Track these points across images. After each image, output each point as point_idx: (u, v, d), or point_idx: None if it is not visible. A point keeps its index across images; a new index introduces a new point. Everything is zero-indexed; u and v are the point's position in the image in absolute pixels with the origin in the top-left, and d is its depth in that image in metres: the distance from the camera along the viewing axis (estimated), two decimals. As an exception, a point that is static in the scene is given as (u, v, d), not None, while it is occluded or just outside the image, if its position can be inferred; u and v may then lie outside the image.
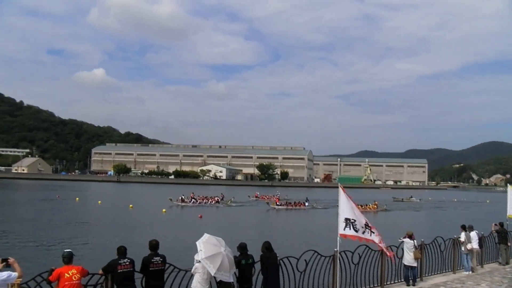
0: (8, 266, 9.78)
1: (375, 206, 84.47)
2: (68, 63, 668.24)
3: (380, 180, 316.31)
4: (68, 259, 10.41)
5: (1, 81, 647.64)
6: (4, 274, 9.52)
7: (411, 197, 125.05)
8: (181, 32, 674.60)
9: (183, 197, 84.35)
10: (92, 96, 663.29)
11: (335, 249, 14.49)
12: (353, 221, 14.33)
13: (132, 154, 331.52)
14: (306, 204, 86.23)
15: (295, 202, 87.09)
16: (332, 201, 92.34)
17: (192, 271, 11.72)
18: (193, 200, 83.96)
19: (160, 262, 11.58)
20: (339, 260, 14.60)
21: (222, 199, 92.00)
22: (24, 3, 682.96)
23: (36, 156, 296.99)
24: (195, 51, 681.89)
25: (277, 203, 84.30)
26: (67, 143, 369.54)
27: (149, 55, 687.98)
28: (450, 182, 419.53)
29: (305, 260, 13.91)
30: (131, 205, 75.33)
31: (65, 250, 10.65)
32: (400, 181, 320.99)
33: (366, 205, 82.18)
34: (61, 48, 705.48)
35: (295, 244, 34.71)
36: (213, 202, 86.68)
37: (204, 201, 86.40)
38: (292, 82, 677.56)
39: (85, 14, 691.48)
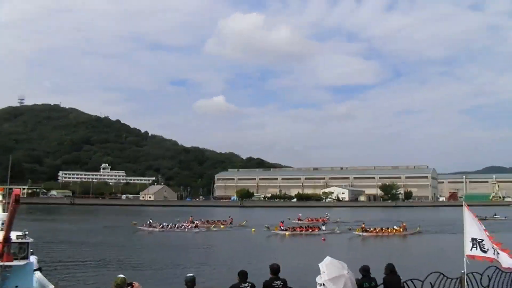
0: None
1: (401, 229, 72.59)
2: (190, 92, 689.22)
3: (510, 197, 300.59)
4: (191, 283, 10.65)
5: (128, 114, 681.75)
6: (132, 298, 9.89)
7: (495, 214, 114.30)
8: (300, 56, 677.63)
9: (150, 221, 77.55)
10: (214, 124, 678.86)
11: (462, 271, 13.86)
12: (480, 241, 13.73)
13: (254, 179, 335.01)
14: (323, 228, 75.99)
15: (307, 227, 77.64)
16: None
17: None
18: (162, 225, 76.13)
19: (280, 286, 11.63)
20: (467, 282, 13.96)
21: (230, 223, 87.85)
22: (149, 38, 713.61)
23: (162, 183, 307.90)
24: (314, 74, 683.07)
25: (281, 227, 73.32)
26: (191, 170, 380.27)
27: (269, 81, 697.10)
28: None
29: (431, 283, 13.45)
30: (253, 229, 76.20)
31: (187, 275, 10.89)
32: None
33: (387, 229, 72.15)
34: (184, 79, 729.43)
35: (416, 266, 33.40)
36: (191, 226, 77.98)
37: (179, 225, 77.28)
38: (414, 99, 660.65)
39: (202, 45, 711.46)
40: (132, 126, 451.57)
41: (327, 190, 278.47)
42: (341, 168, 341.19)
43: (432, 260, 39.96)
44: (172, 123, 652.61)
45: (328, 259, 11.68)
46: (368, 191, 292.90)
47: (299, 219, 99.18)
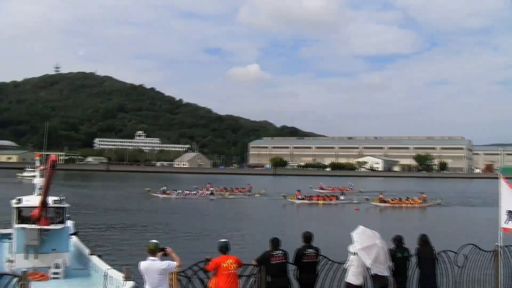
0: (165, 256, 10.24)
1: (421, 200, 71.32)
2: (224, 61, 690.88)
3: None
4: (225, 248, 10.70)
5: (163, 81, 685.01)
6: (164, 264, 9.98)
7: None
8: (334, 25, 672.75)
9: (165, 188, 76.33)
10: (248, 92, 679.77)
11: (497, 244, 13.65)
12: (517, 213, 13.47)
13: (288, 148, 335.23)
14: (341, 197, 75.15)
15: (325, 196, 76.80)
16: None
17: (346, 264, 11.63)
18: (177, 192, 75.38)
19: (313, 254, 11.61)
20: (502, 255, 13.76)
21: (249, 191, 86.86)
22: (182, 7, 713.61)
23: (196, 151, 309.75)
24: (348, 43, 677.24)
25: (298, 196, 71.83)
26: (225, 138, 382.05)
27: (303, 49, 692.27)
28: None
29: (464, 255, 13.30)
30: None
31: (221, 240, 10.93)
32: None
33: (407, 199, 71.00)
34: (218, 47, 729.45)
35: (450, 238, 33.05)
36: (206, 194, 76.59)
37: (193, 193, 76.12)
38: (450, 70, 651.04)
39: (235, 14, 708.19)
40: (166, 94, 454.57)
41: (361, 159, 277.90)
42: (375, 138, 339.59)
43: (465, 232, 39.62)
44: (206, 91, 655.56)
45: (360, 228, 11.62)
46: (403, 161, 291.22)
47: (321, 188, 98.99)
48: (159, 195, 73.98)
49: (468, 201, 78.97)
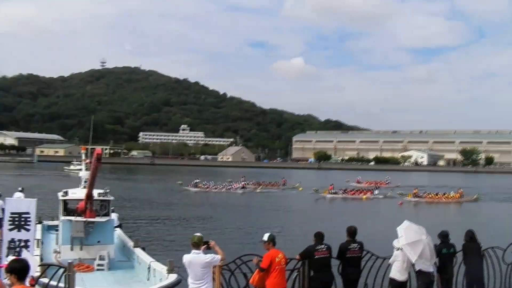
0: (209, 249, 10.26)
1: (458, 195, 69.18)
2: (269, 54, 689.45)
3: None
4: (273, 242, 10.66)
5: (207, 75, 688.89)
6: (208, 257, 9.99)
7: None
8: (379, 17, 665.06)
9: (197, 181, 75.99)
10: (292, 85, 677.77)
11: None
12: None
13: (332, 141, 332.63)
14: (376, 192, 73.14)
15: (359, 190, 75.12)
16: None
17: (391, 259, 11.50)
18: (208, 184, 75.69)
19: (357, 249, 11.52)
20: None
21: (284, 184, 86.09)
22: (227, 1, 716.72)
23: (240, 145, 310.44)
24: (394, 35, 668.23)
25: (331, 190, 70.36)
26: (269, 132, 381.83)
27: (348, 43, 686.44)
28: None
29: (513, 252, 12.99)
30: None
31: (268, 233, 10.87)
32: None
33: (443, 194, 69.24)
34: (262, 40, 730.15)
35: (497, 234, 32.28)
36: (237, 187, 75.58)
37: (226, 186, 75.87)
38: (498, 62, 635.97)
39: (280, 7, 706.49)
40: (210, 88, 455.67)
41: (405, 153, 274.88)
42: (420, 132, 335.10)
43: (510, 229, 38.70)
44: (250, 85, 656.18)
45: (406, 223, 11.49)
46: (448, 155, 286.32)
47: (358, 182, 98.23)
48: (191, 188, 73.98)
49: (509, 198, 76.42)
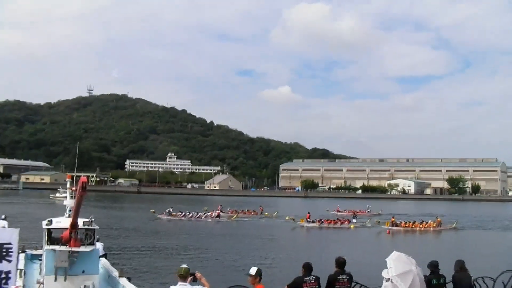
0: (195, 280, 10.08)
1: (435, 224, 68.57)
2: (256, 83, 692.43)
3: None
4: (261, 277, 10.46)
5: (194, 103, 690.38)
6: (193, 289, 9.83)
7: None
8: (366, 46, 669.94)
9: (170, 209, 74.34)
10: (279, 114, 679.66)
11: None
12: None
13: (319, 170, 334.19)
14: (353, 221, 72.20)
15: (336, 219, 73.01)
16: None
17: (380, 290, 11.35)
18: (184, 213, 74.23)
19: (346, 280, 11.38)
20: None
21: (261, 213, 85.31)
22: (214, 30, 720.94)
23: (227, 173, 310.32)
24: (380, 64, 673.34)
25: (308, 219, 69.39)
26: (256, 160, 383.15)
27: (334, 71, 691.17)
28: None
29: (503, 282, 12.88)
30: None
31: (256, 267, 10.65)
32: None
33: (421, 223, 68.05)
34: (250, 69, 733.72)
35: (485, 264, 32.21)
36: (213, 216, 75.35)
37: (200, 214, 75.05)
38: (484, 91, 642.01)
39: (267, 36, 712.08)
40: (197, 116, 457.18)
41: (392, 182, 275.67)
42: (407, 160, 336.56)
43: (499, 258, 38.62)
44: (238, 113, 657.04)
45: (395, 253, 11.34)
46: (435, 183, 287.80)
47: (338, 211, 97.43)
48: (164, 216, 72.72)
49: (487, 225, 76.63)
